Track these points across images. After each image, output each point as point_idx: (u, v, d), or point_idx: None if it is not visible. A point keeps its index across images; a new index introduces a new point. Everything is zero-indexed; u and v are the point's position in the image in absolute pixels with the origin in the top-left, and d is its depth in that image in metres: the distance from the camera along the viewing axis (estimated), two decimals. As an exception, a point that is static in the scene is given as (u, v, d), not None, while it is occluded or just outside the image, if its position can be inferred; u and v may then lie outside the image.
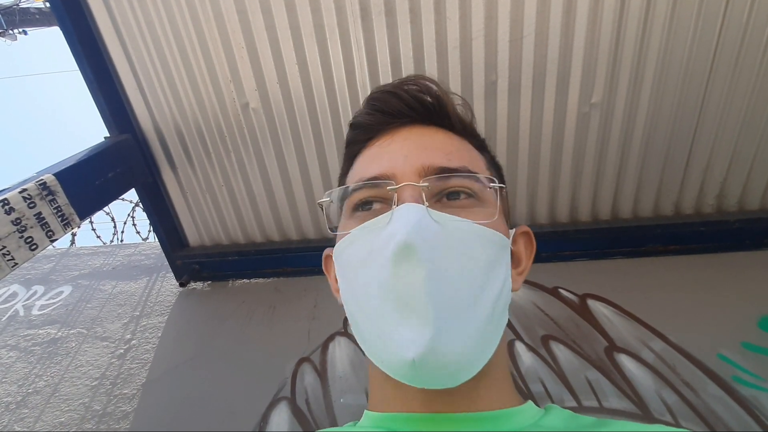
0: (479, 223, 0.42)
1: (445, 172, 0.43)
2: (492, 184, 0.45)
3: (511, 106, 1.32)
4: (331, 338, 1.34)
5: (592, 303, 1.30)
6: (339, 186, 0.51)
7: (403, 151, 0.45)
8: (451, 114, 0.49)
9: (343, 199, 0.48)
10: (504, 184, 0.47)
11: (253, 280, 1.65)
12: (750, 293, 1.24)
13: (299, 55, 1.31)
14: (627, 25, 1.19)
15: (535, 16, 1.20)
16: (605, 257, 1.45)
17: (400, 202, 0.41)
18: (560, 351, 1.18)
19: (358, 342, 0.44)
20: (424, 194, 0.41)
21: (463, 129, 0.50)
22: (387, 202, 0.43)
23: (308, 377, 1.24)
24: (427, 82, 0.49)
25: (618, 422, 0.43)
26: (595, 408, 1.04)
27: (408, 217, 0.39)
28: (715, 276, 1.32)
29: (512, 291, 0.45)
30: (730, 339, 1.13)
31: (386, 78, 1.31)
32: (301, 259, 1.60)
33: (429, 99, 0.49)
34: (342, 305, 0.47)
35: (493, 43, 1.24)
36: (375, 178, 0.44)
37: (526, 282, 1.33)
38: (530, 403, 0.44)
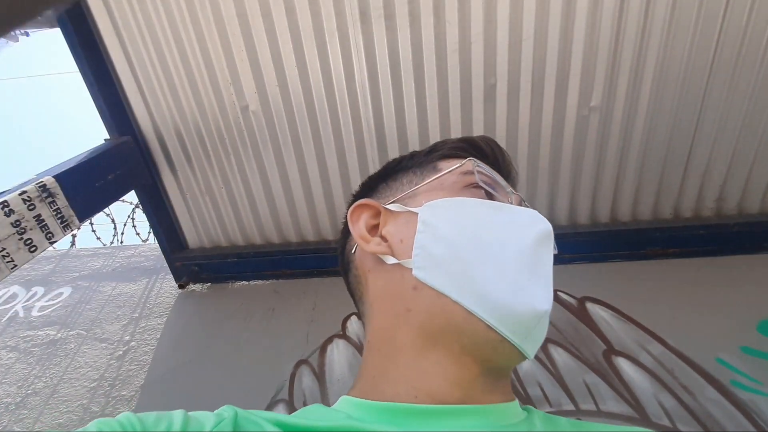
0: None
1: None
2: None
3: (510, 108, 1.32)
4: (329, 341, 1.34)
5: (590, 306, 1.30)
6: (421, 161, 0.55)
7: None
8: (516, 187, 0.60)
9: (460, 170, 0.51)
10: None
11: (252, 282, 1.65)
12: (749, 297, 1.24)
13: (299, 58, 1.31)
14: (626, 27, 1.19)
15: (534, 20, 1.20)
16: (604, 260, 1.45)
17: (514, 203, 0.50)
18: (558, 354, 1.18)
19: (448, 290, 0.42)
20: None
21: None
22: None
23: (306, 380, 1.24)
24: (508, 157, 0.59)
25: (593, 424, 0.46)
26: (592, 411, 1.04)
27: (541, 216, 0.48)
28: (714, 279, 1.32)
29: None
30: (729, 343, 1.13)
31: (386, 81, 1.32)
32: (300, 261, 1.60)
33: (512, 170, 0.59)
34: (372, 252, 0.47)
35: (492, 46, 1.25)
36: (501, 180, 0.52)
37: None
38: (516, 400, 0.45)
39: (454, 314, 0.41)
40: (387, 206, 0.50)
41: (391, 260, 0.46)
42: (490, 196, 0.49)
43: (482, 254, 0.43)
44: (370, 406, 0.42)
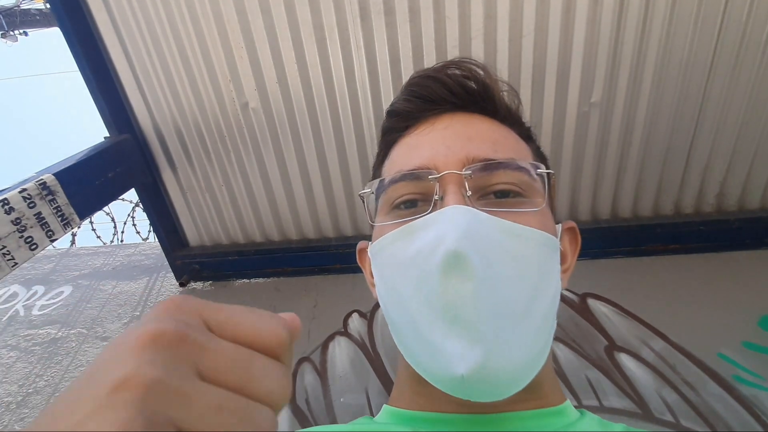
0: (531, 227, 0.39)
1: (491, 164, 0.40)
2: (539, 170, 0.42)
3: (510, 105, 1.32)
4: (331, 338, 1.34)
5: (592, 302, 1.30)
6: (374, 178, 0.47)
7: (445, 141, 0.42)
8: (497, 101, 0.46)
9: (379, 192, 0.44)
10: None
11: (253, 280, 1.65)
12: (750, 292, 1.24)
13: (299, 54, 1.31)
14: (626, 24, 1.19)
15: (534, 16, 1.20)
16: (605, 257, 1.45)
17: (442, 194, 0.39)
18: (561, 350, 1.18)
19: (398, 345, 0.41)
20: (467, 183, 0.39)
21: (509, 117, 0.47)
22: (429, 200, 0.40)
23: (308, 377, 1.24)
24: (472, 66, 0.45)
25: (644, 430, 0.42)
26: (595, 407, 1.04)
27: (456, 221, 0.36)
28: (715, 275, 1.31)
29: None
30: (731, 338, 1.13)
31: (385, 77, 1.31)
32: (301, 258, 1.60)
33: (473, 84, 0.45)
34: (377, 299, 0.45)
35: (493, 42, 1.24)
36: (415, 169, 0.41)
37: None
38: (568, 402, 0.42)
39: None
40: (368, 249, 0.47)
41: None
42: (413, 211, 0.41)
43: (399, 310, 0.39)
44: (409, 416, 0.42)
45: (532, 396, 0.40)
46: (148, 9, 1.30)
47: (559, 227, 0.45)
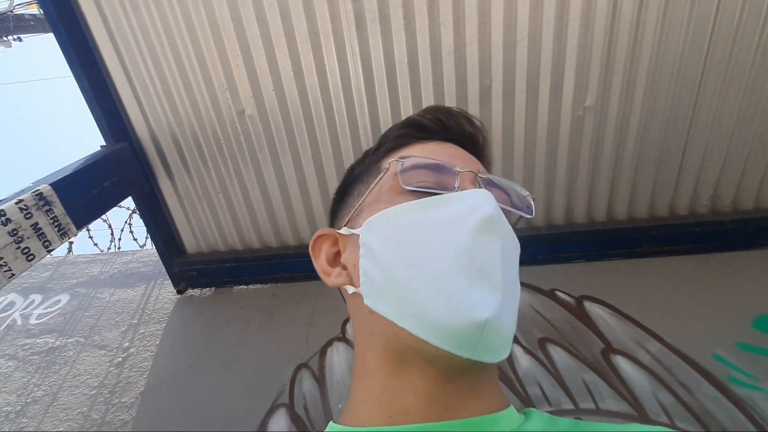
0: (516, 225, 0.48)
1: (493, 180, 0.48)
2: (525, 194, 0.50)
3: (505, 110, 1.33)
4: (329, 344, 1.34)
5: (588, 305, 1.31)
6: (373, 164, 0.51)
7: (461, 155, 0.50)
8: (488, 155, 0.56)
9: (390, 172, 0.47)
10: None
11: (251, 286, 1.65)
12: (744, 293, 1.25)
13: (294, 62, 1.32)
14: (619, 28, 1.20)
15: (528, 21, 1.21)
16: (601, 259, 1.46)
17: (462, 187, 0.45)
18: (557, 353, 1.19)
19: (390, 315, 0.41)
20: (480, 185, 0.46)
21: (489, 169, 0.56)
22: (449, 190, 0.45)
23: (307, 383, 1.24)
24: (476, 122, 0.54)
25: (595, 424, 0.43)
26: (591, 410, 1.04)
27: (488, 196, 0.42)
28: (709, 276, 1.33)
29: None
30: (725, 339, 1.14)
31: (381, 84, 1.32)
32: (299, 264, 1.60)
33: (479, 136, 0.54)
34: (335, 286, 0.47)
35: (487, 47, 1.25)
36: (442, 162, 0.46)
37: (524, 285, 1.34)
38: (511, 407, 0.44)
39: (405, 338, 0.40)
40: (340, 231, 0.49)
41: (351, 289, 0.45)
42: (428, 192, 0.45)
43: (416, 271, 0.40)
44: None
45: (488, 395, 0.43)
46: (144, 17, 1.31)
47: None
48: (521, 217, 0.49)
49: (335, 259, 0.49)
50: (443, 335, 0.37)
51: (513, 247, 0.44)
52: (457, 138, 0.52)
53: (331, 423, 0.45)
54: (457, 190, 0.44)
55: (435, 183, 0.45)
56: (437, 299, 0.38)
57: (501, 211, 0.43)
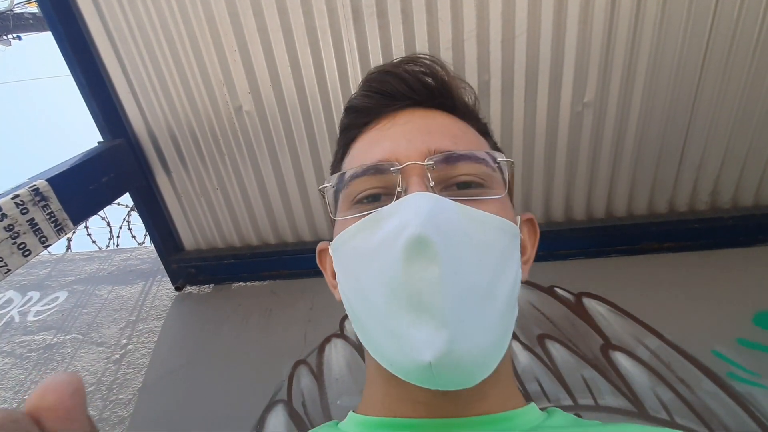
0: (491, 213, 0.40)
1: (452, 155, 0.41)
2: (500, 159, 0.43)
3: (504, 105, 1.32)
4: (327, 340, 1.34)
5: (587, 301, 1.30)
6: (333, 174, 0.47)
7: (405, 135, 0.42)
8: (456, 97, 0.47)
9: (339, 188, 0.44)
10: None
11: (249, 283, 1.64)
12: (744, 289, 1.24)
13: (292, 57, 1.31)
14: (618, 23, 1.19)
15: (526, 16, 1.20)
16: (600, 255, 1.45)
17: (406, 185, 0.39)
18: (556, 350, 1.18)
19: (363, 342, 0.41)
20: (430, 175, 0.39)
21: (467, 113, 0.48)
22: (392, 194, 0.40)
23: (305, 380, 1.23)
24: (430, 62, 0.46)
25: (621, 425, 0.41)
26: (591, 406, 1.04)
27: (419, 206, 0.36)
28: (709, 273, 1.32)
29: (521, 282, 0.43)
30: (725, 335, 1.13)
31: (379, 79, 1.31)
32: (297, 261, 1.60)
33: (432, 81, 0.46)
34: (340, 301, 0.45)
35: (486, 43, 1.25)
36: (377, 162, 0.41)
37: (522, 282, 1.33)
38: (533, 404, 0.42)
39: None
40: (330, 247, 0.46)
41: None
42: (376, 204, 0.40)
43: (367, 307, 0.38)
44: (375, 422, 0.42)
45: (496, 393, 0.41)
46: (140, 12, 1.30)
47: (518, 219, 0.45)
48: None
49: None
50: (402, 373, 0.37)
51: (471, 249, 0.37)
52: (409, 100, 0.45)
53: (350, 413, 0.44)
54: (399, 193, 0.39)
55: (381, 187, 0.41)
56: (386, 339, 0.37)
57: (443, 215, 0.36)
